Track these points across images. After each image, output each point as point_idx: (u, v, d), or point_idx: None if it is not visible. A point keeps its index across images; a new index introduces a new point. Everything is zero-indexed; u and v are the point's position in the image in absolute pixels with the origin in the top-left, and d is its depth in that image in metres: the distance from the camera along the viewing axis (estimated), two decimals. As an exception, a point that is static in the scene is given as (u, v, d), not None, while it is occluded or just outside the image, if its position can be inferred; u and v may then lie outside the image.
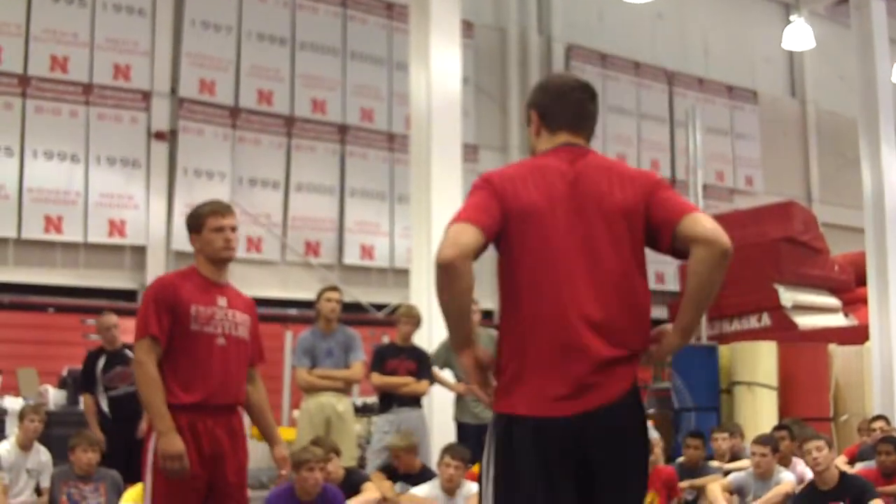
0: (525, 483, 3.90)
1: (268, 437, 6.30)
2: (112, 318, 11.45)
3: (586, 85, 4.27)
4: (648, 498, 9.72)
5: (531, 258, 3.95)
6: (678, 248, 3.98)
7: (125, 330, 12.03)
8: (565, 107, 4.19)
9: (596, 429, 3.89)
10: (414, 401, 10.84)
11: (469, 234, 3.81)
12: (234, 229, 6.10)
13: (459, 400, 11.26)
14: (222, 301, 6.00)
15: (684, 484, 10.59)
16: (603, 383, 3.90)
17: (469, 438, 10.42)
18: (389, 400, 10.84)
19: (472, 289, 3.85)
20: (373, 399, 12.89)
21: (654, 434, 11.49)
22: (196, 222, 6.09)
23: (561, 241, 3.95)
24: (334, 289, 10.72)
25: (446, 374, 11.26)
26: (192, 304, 5.85)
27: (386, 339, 13.34)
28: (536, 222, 3.95)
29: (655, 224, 4.01)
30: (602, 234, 3.96)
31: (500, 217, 3.92)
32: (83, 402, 11.37)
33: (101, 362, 11.20)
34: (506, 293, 4.02)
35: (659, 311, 21.44)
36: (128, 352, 11.24)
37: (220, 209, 6.11)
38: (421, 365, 10.82)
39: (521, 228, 3.95)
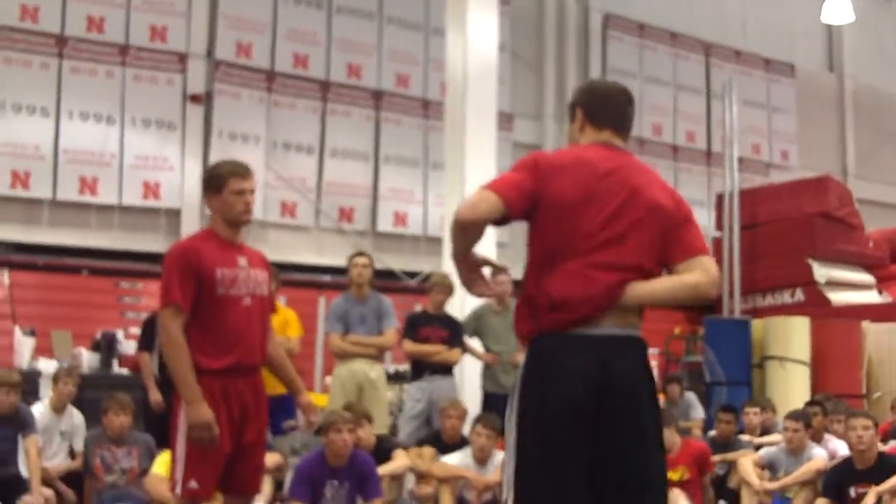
0: None
1: (291, 387, 6.36)
2: None
3: (626, 90, 4.78)
4: (679, 472, 9.73)
5: (556, 242, 4.39)
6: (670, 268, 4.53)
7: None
8: (611, 107, 4.67)
9: None
10: (446, 369, 10.84)
11: (490, 205, 4.28)
12: (252, 192, 6.09)
13: (487, 369, 11.24)
14: (243, 261, 5.99)
15: (716, 458, 10.56)
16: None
17: (496, 408, 10.41)
18: (421, 368, 10.85)
19: (478, 240, 4.38)
20: (405, 367, 12.91)
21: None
22: (216, 182, 6.04)
23: (586, 228, 4.37)
24: (362, 254, 10.71)
25: (475, 343, 11.25)
26: (217, 267, 5.83)
27: (418, 307, 13.33)
28: (568, 211, 4.37)
29: (678, 239, 4.53)
30: (633, 220, 4.42)
31: (529, 199, 4.37)
32: (142, 360, 11.42)
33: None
34: (531, 267, 4.50)
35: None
36: None
37: (241, 171, 6.09)
38: (453, 333, 10.82)
39: (549, 216, 4.38)
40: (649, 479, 4.33)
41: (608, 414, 4.24)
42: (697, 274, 4.44)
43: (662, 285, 4.46)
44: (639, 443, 4.29)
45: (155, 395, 10.77)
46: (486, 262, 4.55)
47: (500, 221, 4.36)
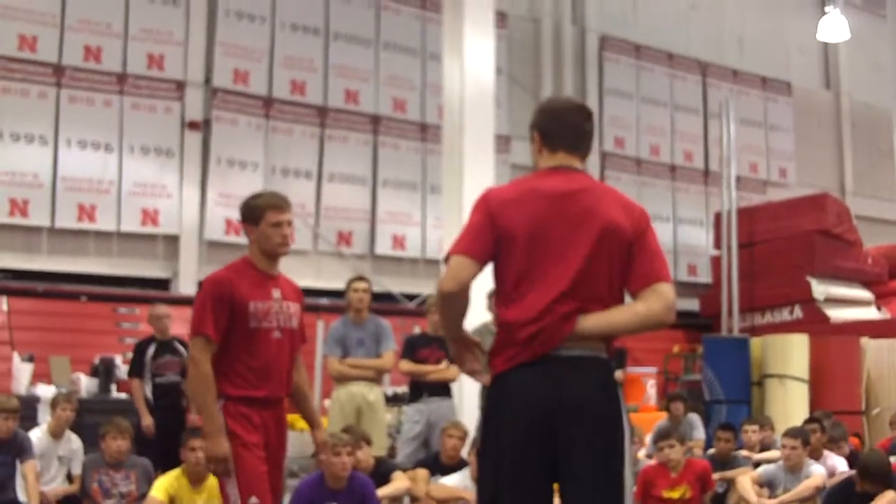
0: None
1: (310, 421, 6.41)
2: (163, 309, 11.92)
3: (583, 106, 4.75)
4: (681, 490, 9.75)
5: (515, 274, 4.44)
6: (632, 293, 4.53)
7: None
8: (564, 127, 4.63)
9: None
10: (444, 390, 10.86)
11: (468, 269, 4.39)
12: (290, 224, 6.11)
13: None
14: (276, 293, 6.02)
15: (715, 476, 10.58)
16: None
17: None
18: (419, 389, 10.88)
19: (467, 309, 4.50)
20: (403, 389, 12.93)
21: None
22: (254, 214, 6.05)
23: (540, 260, 4.42)
24: (361, 279, 10.73)
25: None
26: (251, 300, 5.87)
27: (417, 330, 13.35)
28: (522, 244, 4.42)
29: (633, 267, 4.49)
30: (588, 246, 4.41)
31: (493, 241, 4.44)
32: (132, 386, 11.59)
33: (151, 350, 11.56)
34: (496, 299, 4.57)
35: (689, 304, 21.45)
36: (176, 343, 11.57)
37: (281, 203, 6.08)
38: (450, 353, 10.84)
39: (506, 251, 4.44)
40: (606, 497, 4.34)
41: (565, 434, 4.29)
42: (652, 302, 4.41)
43: (616, 317, 4.44)
44: (598, 462, 4.31)
45: (146, 420, 10.88)
46: (478, 346, 4.65)
47: (481, 270, 4.46)
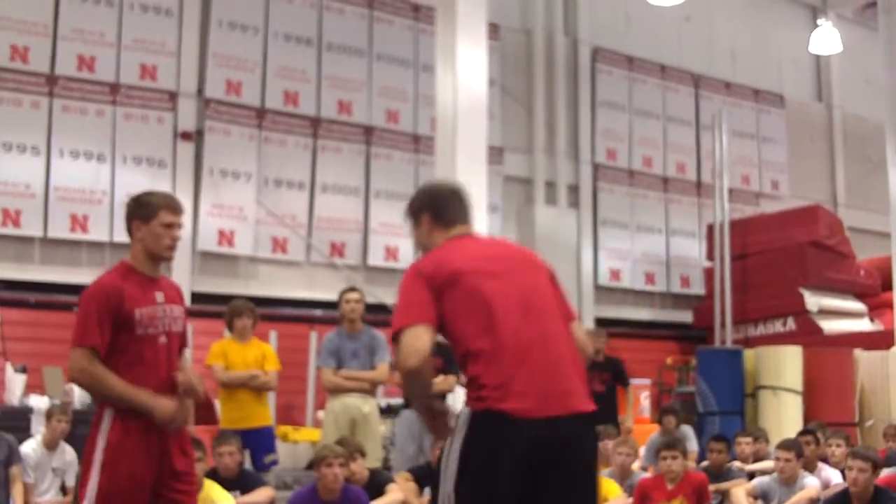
0: None
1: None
2: None
3: (459, 186, 5.17)
4: (677, 503, 9.73)
5: (468, 307, 4.53)
6: None
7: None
8: (455, 204, 4.98)
9: None
10: (440, 399, 10.83)
11: (424, 337, 4.41)
12: (180, 228, 5.89)
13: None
14: (160, 297, 5.76)
15: (710, 488, 10.56)
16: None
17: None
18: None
19: (432, 377, 4.70)
20: (397, 400, 12.88)
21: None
22: (146, 211, 5.77)
23: (492, 287, 4.58)
24: (353, 289, 10.70)
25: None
26: (136, 308, 5.61)
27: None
28: (465, 280, 4.55)
29: None
30: (531, 279, 4.71)
31: (436, 301, 4.51)
32: None
33: None
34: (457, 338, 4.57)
35: (683, 316, 21.45)
36: None
37: (175, 205, 5.89)
38: (447, 361, 10.83)
39: (453, 292, 4.53)
40: None
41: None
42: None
43: None
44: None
45: None
46: (448, 412, 4.66)
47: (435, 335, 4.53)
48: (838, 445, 11.24)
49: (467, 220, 4.94)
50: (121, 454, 5.47)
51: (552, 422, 4.35)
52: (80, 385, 5.81)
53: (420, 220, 4.95)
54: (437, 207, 4.94)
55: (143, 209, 5.78)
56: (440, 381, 10.72)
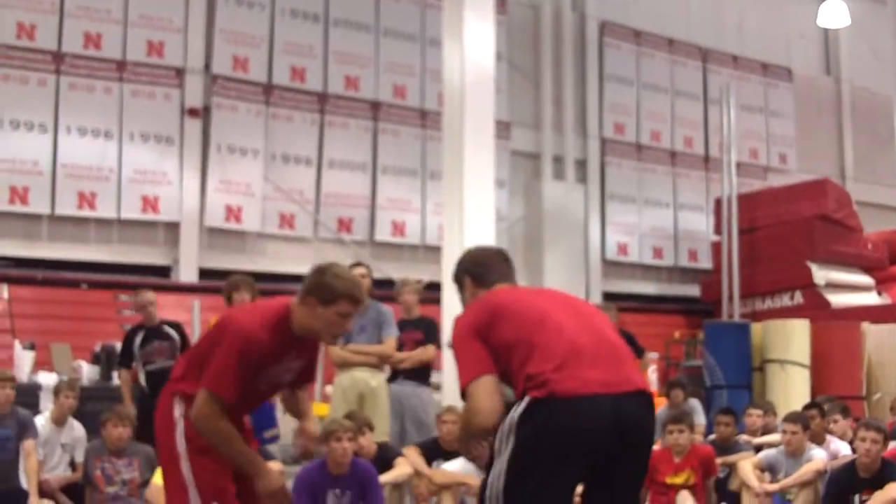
0: None
1: (300, 413, 6.11)
2: (149, 296, 11.78)
3: (502, 251, 5.40)
4: (686, 475, 9.75)
5: (518, 320, 4.71)
6: None
7: (161, 305, 12.24)
8: (495, 266, 5.18)
9: None
10: (419, 376, 11.00)
11: (494, 391, 4.57)
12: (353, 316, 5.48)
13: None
14: (291, 356, 5.49)
15: (717, 461, 10.57)
16: None
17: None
18: (395, 373, 11.00)
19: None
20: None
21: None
22: (327, 295, 5.29)
23: (540, 298, 4.95)
24: (360, 264, 10.66)
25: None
26: (270, 366, 5.36)
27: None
28: (510, 305, 4.79)
29: None
30: (580, 304, 5.06)
31: (491, 349, 4.65)
32: (119, 376, 11.57)
33: (139, 338, 11.50)
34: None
35: (690, 290, 21.45)
36: (166, 327, 11.53)
37: (358, 296, 5.37)
38: (427, 333, 10.92)
39: (501, 321, 4.71)
40: None
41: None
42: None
43: None
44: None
45: (130, 411, 10.68)
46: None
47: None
48: (835, 421, 11.26)
49: (509, 280, 5.13)
50: (199, 437, 5.34)
51: (617, 398, 4.49)
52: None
53: (464, 284, 5.18)
54: (477, 271, 5.16)
55: (324, 291, 5.29)
56: (418, 352, 10.86)
